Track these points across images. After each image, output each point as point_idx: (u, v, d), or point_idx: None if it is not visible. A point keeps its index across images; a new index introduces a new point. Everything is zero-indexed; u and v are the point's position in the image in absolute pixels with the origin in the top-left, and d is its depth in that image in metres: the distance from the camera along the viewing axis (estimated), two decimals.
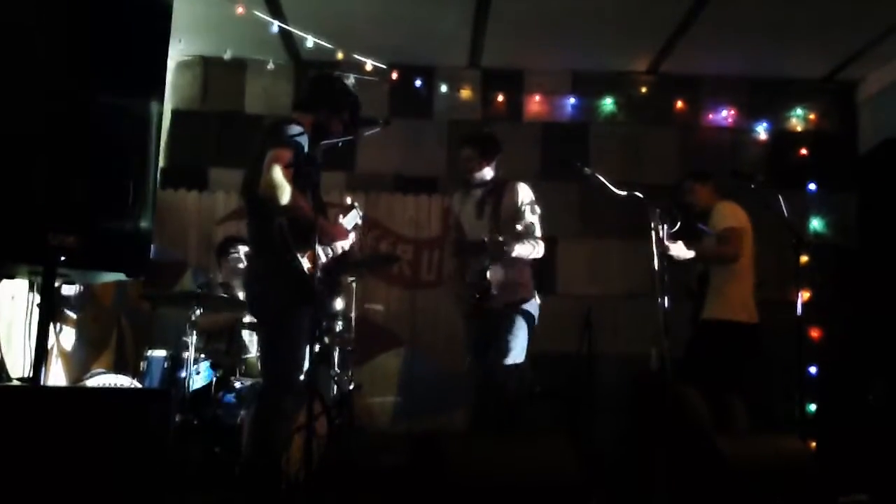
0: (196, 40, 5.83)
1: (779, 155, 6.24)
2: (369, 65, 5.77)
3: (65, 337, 4.84)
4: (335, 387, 4.53)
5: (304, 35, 5.51)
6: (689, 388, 4.24)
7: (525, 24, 5.55)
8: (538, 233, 4.11)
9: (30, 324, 2.60)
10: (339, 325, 4.71)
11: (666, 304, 3.45)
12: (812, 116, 6.33)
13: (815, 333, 5.79)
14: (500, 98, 6.27)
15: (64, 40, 2.50)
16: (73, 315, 4.92)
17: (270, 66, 5.98)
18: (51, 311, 2.57)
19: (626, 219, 5.07)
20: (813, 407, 5.59)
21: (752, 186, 4.41)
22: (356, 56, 5.73)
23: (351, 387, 4.65)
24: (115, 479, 2.28)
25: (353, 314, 4.83)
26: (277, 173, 3.15)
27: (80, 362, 4.97)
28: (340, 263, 3.76)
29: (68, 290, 4.69)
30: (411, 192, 6.15)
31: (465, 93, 6.25)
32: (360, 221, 3.75)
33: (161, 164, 5.26)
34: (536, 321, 4.13)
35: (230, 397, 4.42)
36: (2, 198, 2.34)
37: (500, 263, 4.02)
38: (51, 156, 2.43)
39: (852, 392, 5.51)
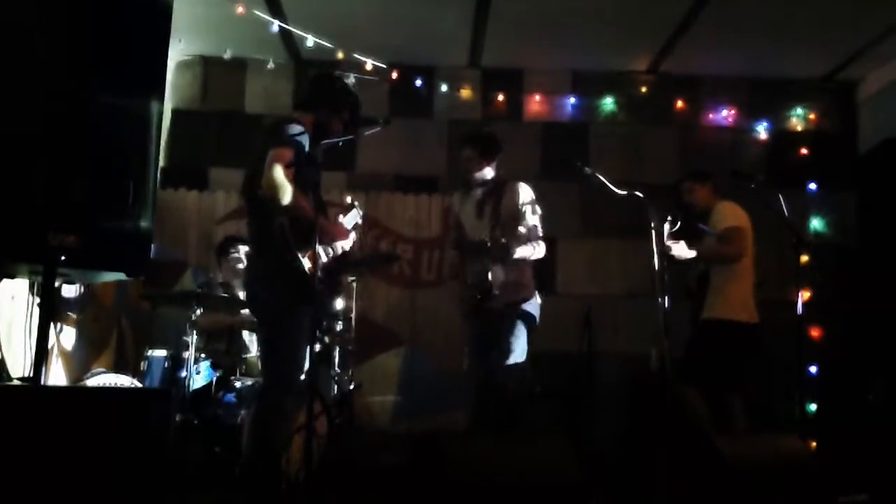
0: (196, 40, 5.83)
1: (779, 155, 6.24)
2: (369, 64, 5.77)
3: (65, 337, 4.84)
4: (335, 386, 4.53)
5: (305, 34, 5.51)
6: (689, 387, 4.24)
7: (525, 24, 5.55)
8: (540, 234, 4.11)
9: (30, 324, 2.60)
10: (339, 325, 4.71)
11: (666, 304, 3.45)
12: (812, 116, 6.33)
13: (815, 333, 5.79)
14: (500, 98, 6.28)
15: (64, 40, 2.50)
16: (73, 315, 4.92)
17: (271, 65, 5.98)
18: (51, 311, 2.57)
19: (626, 219, 5.06)
20: (813, 407, 5.58)
21: (752, 186, 4.41)
22: (356, 55, 5.73)
23: (351, 386, 4.65)
24: (115, 479, 2.28)
25: (353, 314, 4.83)
26: (279, 173, 3.15)
27: (80, 362, 4.97)
28: (341, 263, 3.76)
29: (68, 290, 4.69)
30: (411, 191, 6.15)
31: (466, 92, 6.25)
32: (360, 221, 3.75)
33: (161, 163, 5.26)
34: (538, 321, 4.13)
35: (230, 397, 4.42)
36: (2, 198, 2.34)
37: (501, 264, 4.02)
38: (51, 156, 2.43)
39: (852, 392, 5.51)
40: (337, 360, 4.62)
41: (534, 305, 4.11)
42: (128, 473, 2.31)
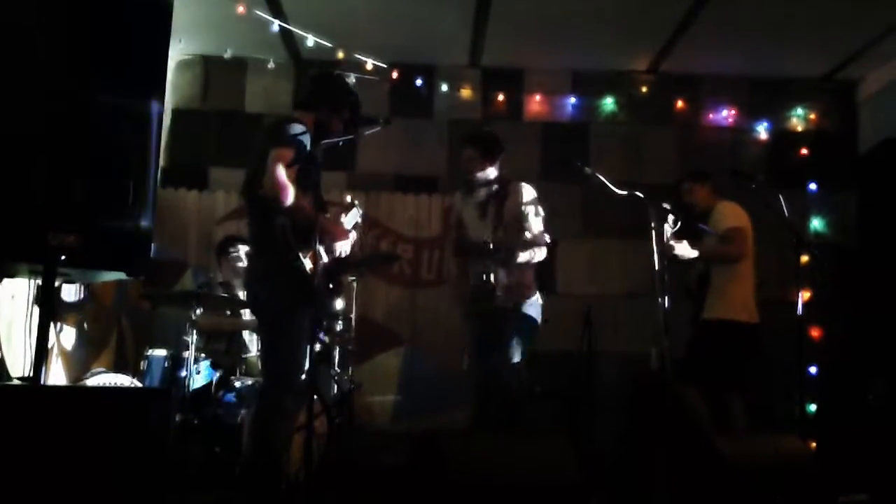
0: (196, 39, 5.83)
1: (779, 155, 6.24)
2: (370, 64, 5.77)
3: (65, 336, 4.84)
4: (335, 386, 4.53)
5: (305, 34, 5.51)
6: (689, 387, 4.24)
7: (525, 24, 5.55)
8: (547, 239, 4.10)
9: (30, 324, 2.60)
10: (339, 325, 4.71)
11: (666, 304, 3.45)
12: (812, 116, 6.33)
13: (815, 333, 5.79)
14: (501, 97, 6.27)
15: (64, 40, 2.50)
16: (73, 315, 4.92)
17: (271, 65, 5.99)
18: (51, 311, 2.57)
19: (626, 219, 5.07)
20: (813, 407, 5.59)
21: (756, 186, 4.41)
22: (356, 55, 5.73)
23: (351, 386, 4.65)
24: (115, 479, 2.28)
25: (353, 314, 4.83)
26: (281, 173, 3.15)
27: (80, 362, 4.97)
28: (341, 263, 3.76)
29: (68, 289, 4.68)
30: (411, 191, 6.15)
31: (466, 92, 6.25)
32: (360, 220, 3.75)
33: (161, 163, 5.27)
34: (540, 321, 4.12)
35: (230, 397, 4.42)
36: (2, 198, 2.34)
37: (503, 266, 4.02)
38: (51, 156, 2.43)
39: (852, 392, 5.51)
40: (337, 360, 4.62)
41: (535, 306, 4.11)
42: (128, 473, 2.30)
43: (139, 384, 4.40)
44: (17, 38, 2.43)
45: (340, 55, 5.74)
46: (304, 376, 3.31)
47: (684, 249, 4.29)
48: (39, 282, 2.60)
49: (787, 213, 4.29)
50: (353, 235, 3.62)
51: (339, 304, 4.74)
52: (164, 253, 5.72)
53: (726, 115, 6.30)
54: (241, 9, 5.18)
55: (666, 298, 3.46)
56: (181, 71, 6.14)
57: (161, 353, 4.56)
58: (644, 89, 6.31)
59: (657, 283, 3.48)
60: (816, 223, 6.14)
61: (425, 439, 2.92)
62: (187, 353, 4.26)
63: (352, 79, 3.67)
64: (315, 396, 3.49)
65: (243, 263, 4.72)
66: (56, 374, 4.65)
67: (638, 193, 3.66)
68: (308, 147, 3.34)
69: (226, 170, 5.97)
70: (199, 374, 4.45)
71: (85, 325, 5.05)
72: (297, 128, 3.32)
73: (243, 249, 4.80)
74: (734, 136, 6.29)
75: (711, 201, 4.67)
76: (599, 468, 4.55)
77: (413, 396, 5.79)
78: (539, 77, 6.31)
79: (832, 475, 3.91)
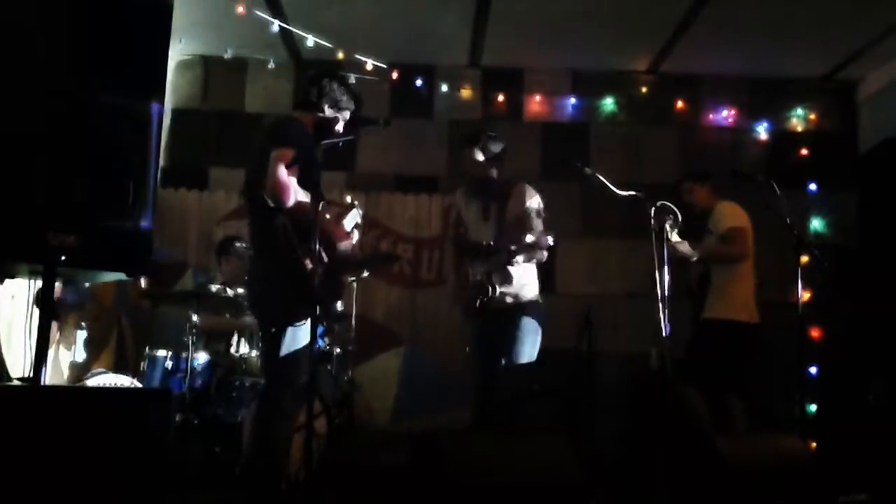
0: (196, 39, 5.83)
1: (779, 155, 6.23)
2: (370, 64, 5.77)
3: (65, 337, 4.83)
4: (335, 386, 4.53)
5: (305, 34, 5.51)
6: (689, 387, 4.24)
7: (525, 24, 5.55)
8: (549, 241, 4.09)
9: (30, 324, 2.60)
10: (338, 325, 4.71)
11: (666, 304, 3.45)
12: (812, 116, 6.33)
13: (815, 333, 5.79)
14: (501, 98, 6.27)
15: (64, 40, 2.50)
16: (73, 315, 4.91)
17: (271, 65, 5.98)
18: (51, 311, 2.57)
19: (626, 219, 5.08)
20: (813, 407, 5.58)
21: (757, 186, 4.41)
22: (356, 55, 5.73)
23: (351, 386, 4.65)
24: (115, 479, 2.28)
25: (353, 314, 4.83)
26: (282, 173, 3.14)
27: (80, 362, 4.96)
28: (342, 263, 3.75)
29: (68, 289, 4.68)
30: (411, 191, 6.15)
31: (466, 92, 6.25)
32: (360, 221, 3.74)
33: (161, 163, 5.26)
34: (541, 321, 4.12)
35: (230, 397, 4.42)
36: (2, 198, 2.34)
37: (504, 267, 4.02)
38: (51, 156, 2.43)
39: (852, 392, 5.50)
40: (337, 359, 4.62)
41: (538, 305, 4.10)
42: (128, 473, 2.30)
43: (139, 384, 4.40)
44: (17, 38, 2.43)
45: (340, 55, 5.74)
46: (304, 376, 3.31)
47: (687, 248, 4.29)
48: (39, 282, 2.60)
49: (787, 213, 4.28)
50: (354, 236, 3.62)
51: (339, 305, 4.73)
52: (164, 253, 5.72)
53: (726, 115, 6.29)
54: (241, 9, 5.18)
55: (666, 299, 3.45)
56: (181, 71, 6.14)
57: (161, 353, 4.56)
58: (644, 89, 6.31)
59: (657, 283, 3.48)
60: (816, 223, 6.14)
61: (425, 439, 2.92)
62: (187, 353, 4.25)
63: (352, 79, 3.65)
64: (315, 396, 3.49)
65: (244, 263, 4.71)
66: (56, 375, 4.65)
67: (638, 193, 3.66)
68: (308, 147, 3.34)
69: (226, 170, 5.97)
70: (199, 375, 4.44)
71: (85, 325, 5.05)
72: (298, 128, 3.32)
73: (243, 249, 4.79)
74: (734, 137, 6.29)
75: (711, 201, 4.68)
76: (599, 468, 4.54)
77: (413, 396, 5.79)
78: (539, 77, 6.31)
79: (832, 475, 3.91)
